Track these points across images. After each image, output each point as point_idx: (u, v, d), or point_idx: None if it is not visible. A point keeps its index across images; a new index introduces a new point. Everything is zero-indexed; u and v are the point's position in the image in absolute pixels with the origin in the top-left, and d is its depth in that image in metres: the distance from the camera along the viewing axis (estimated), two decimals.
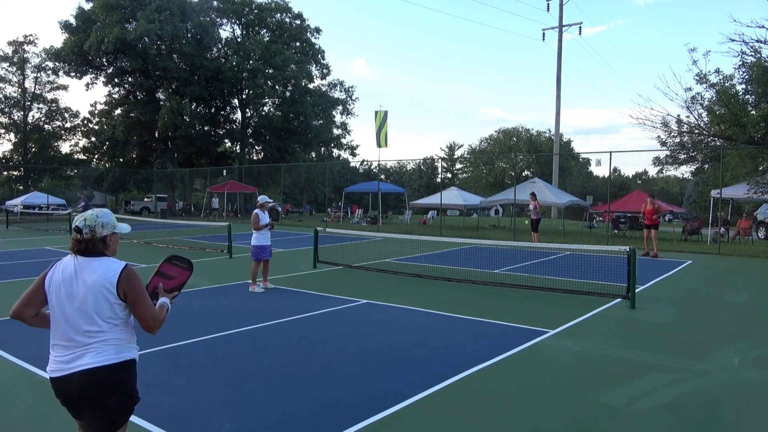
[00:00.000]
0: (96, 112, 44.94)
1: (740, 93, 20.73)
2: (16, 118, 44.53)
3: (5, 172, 46.18)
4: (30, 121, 45.03)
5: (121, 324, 2.63)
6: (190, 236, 20.46)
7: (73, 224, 2.81)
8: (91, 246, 2.61)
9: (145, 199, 42.37)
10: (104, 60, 38.57)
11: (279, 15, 42.50)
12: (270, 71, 39.31)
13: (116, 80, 40.14)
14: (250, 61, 39.53)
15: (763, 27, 18.94)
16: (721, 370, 5.42)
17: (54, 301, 2.58)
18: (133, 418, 4.06)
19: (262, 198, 9.98)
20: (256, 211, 9.76)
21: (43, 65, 43.25)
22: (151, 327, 2.68)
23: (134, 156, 42.40)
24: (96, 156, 46.20)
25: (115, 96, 41.63)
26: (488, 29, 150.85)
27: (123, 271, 2.59)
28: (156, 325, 2.69)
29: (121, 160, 42.52)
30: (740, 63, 19.59)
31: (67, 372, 2.53)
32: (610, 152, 20.03)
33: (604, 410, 4.35)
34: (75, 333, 2.54)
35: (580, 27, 38.74)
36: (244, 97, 41.79)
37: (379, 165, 49.10)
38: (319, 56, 44.24)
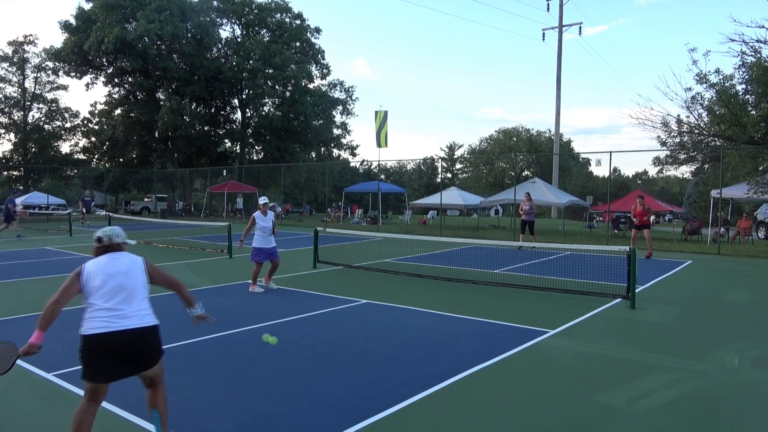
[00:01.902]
0: (96, 112, 44.93)
1: (740, 93, 20.71)
2: (16, 118, 44.50)
3: (5, 172, 46.17)
4: (30, 121, 45.00)
5: (146, 293, 3.59)
6: (190, 236, 20.46)
7: (97, 234, 3.65)
8: (111, 248, 3.59)
9: (145, 199, 42.37)
10: (104, 60, 38.55)
11: (279, 15, 42.49)
12: (270, 71, 39.30)
13: (116, 80, 40.12)
14: (250, 61, 39.52)
15: (763, 27, 18.94)
16: (721, 370, 5.42)
17: (99, 282, 3.41)
18: (133, 418, 4.06)
19: (261, 199, 9.88)
20: (255, 214, 9.71)
21: (43, 65, 43.24)
22: (188, 299, 3.92)
23: (134, 156, 42.38)
24: (96, 156, 46.17)
25: (115, 96, 41.61)
26: (488, 29, 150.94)
27: (145, 261, 3.68)
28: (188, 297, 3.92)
29: (121, 160, 42.51)
30: (740, 63, 19.59)
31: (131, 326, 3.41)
32: (610, 152, 20.06)
33: (604, 410, 4.35)
34: (125, 302, 3.43)
35: (580, 27, 38.80)
36: (244, 97, 41.78)
37: (379, 165, 49.11)
38: (319, 56, 44.23)
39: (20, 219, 29.24)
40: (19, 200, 33.19)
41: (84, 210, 26.78)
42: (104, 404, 4.33)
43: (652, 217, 27.00)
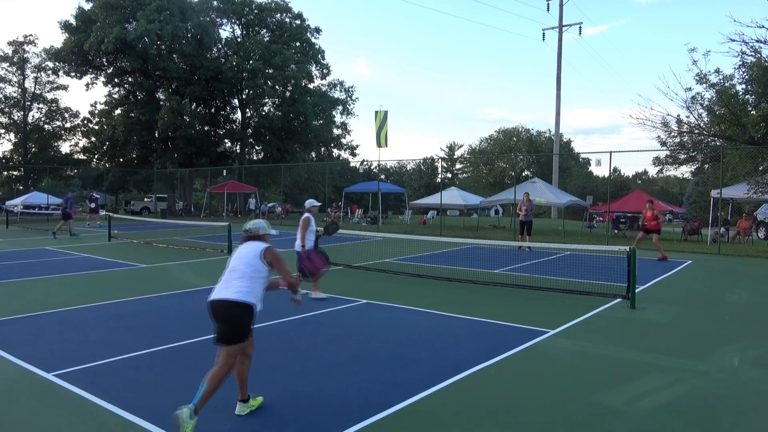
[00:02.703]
0: (96, 112, 44.91)
1: (740, 93, 20.71)
2: (16, 118, 44.50)
3: (5, 172, 46.16)
4: (30, 121, 45.01)
5: (258, 278, 4.15)
6: (190, 236, 20.46)
7: (245, 227, 4.48)
8: (251, 237, 4.41)
9: (145, 199, 42.36)
10: (104, 60, 38.53)
11: (279, 15, 42.47)
12: (270, 71, 39.29)
13: (116, 80, 40.10)
14: (250, 61, 39.51)
15: (763, 27, 18.95)
16: (721, 370, 5.42)
17: (229, 262, 4.25)
18: (133, 418, 4.07)
19: (309, 202, 9.06)
20: (309, 216, 8.81)
21: (43, 65, 43.25)
22: (292, 285, 4.43)
23: (134, 156, 42.35)
24: (96, 156, 46.14)
25: (115, 96, 41.59)
26: (488, 29, 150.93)
27: (263, 249, 4.23)
28: (293, 282, 4.45)
29: (121, 160, 42.48)
30: (740, 63, 19.59)
31: (219, 297, 4.09)
32: (610, 152, 20.05)
33: (604, 410, 4.35)
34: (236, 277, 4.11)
35: (580, 27, 38.82)
36: (244, 97, 41.77)
37: (379, 165, 49.12)
38: (319, 56, 44.21)
39: (20, 219, 29.29)
40: (19, 200, 33.25)
41: (90, 208, 26.61)
42: (104, 404, 4.34)
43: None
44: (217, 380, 3.89)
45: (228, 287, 4.04)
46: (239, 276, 4.08)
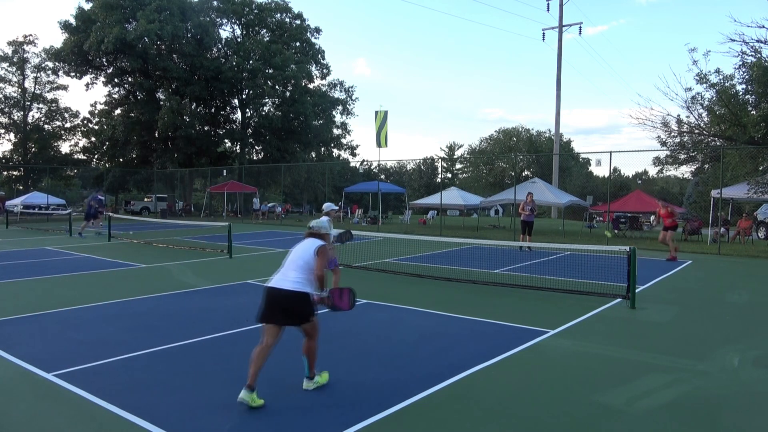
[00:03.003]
0: (96, 112, 44.92)
1: (740, 93, 20.72)
2: (16, 118, 44.50)
3: (5, 172, 46.16)
4: (30, 121, 45.01)
5: (306, 268, 4.57)
6: (190, 236, 20.46)
7: (309, 224, 4.97)
8: (312, 234, 4.86)
9: (145, 199, 42.36)
10: (104, 60, 38.53)
11: (279, 15, 42.46)
12: (270, 71, 39.28)
13: (116, 80, 40.11)
14: (250, 61, 39.50)
15: (763, 27, 18.93)
16: (721, 370, 5.42)
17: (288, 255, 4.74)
18: (133, 418, 4.07)
19: (328, 205, 8.77)
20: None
21: (43, 65, 43.25)
22: (318, 277, 4.63)
23: (134, 156, 42.35)
24: (96, 156, 46.14)
25: (115, 96, 41.60)
26: (488, 29, 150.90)
27: (318, 246, 4.70)
28: (319, 275, 4.65)
29: (121, 160, 42.48)
30: (740, 63, 19.59)
31: (279, 286, 4.49)
32: (610, 152, 20.04)
33: (604, 410, 4.35)
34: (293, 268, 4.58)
35: (580, 27, 38.81)
36: (244, 97, 41.77)
37: (379, 165, 49.12)
38: (319, 56, 44.20)
39: (20, 219, 29.29)
40: (19, 200, 33.25)
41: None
42: (104, 404, 4.34)
43: (652, 217, 27.03)
44: (313, 350, 4.64)
45: (286, 278, 4.52)
46: (294, 268, 4.56)
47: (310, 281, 4.55)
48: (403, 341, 6.32)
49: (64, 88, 49.83)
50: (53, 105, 45.72)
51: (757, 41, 19.00)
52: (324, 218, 5.07)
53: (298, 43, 43.06)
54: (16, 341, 6.15)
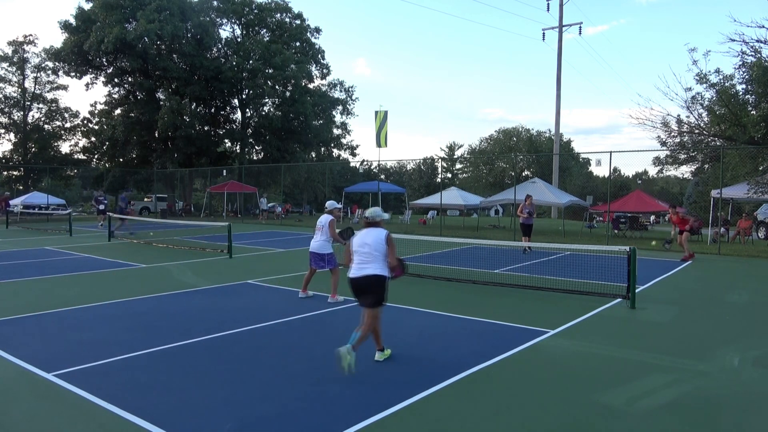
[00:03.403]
0: (96, 112, 44.85)
1: (740, 93, 20.70)
2: (16, 118, 44.47)
3: (5, 172, 46.15)
4: (30, 121, 44.97)
5: (384, 256, 5.36)
6: (190, 236, 20.46)
7: (364, 214, 5.81)
8: (370, 224, 5.56)
9: (145, 199, 42.33)
10: (104, 60, 38.49)
11: (279, 15, 42.43)
12: (270, 71, 39.26)
13: (116, 80, 40.07)
14: (250, 61, 39.48)
15: (763, 27, 18.91)
16: (721, 370, 5.42)
17: (355, 245, 5.48)
18: (133, 418, 4.07)
19: (331, 204, 8.88)
20: (333, 218, 8.64)
21: (43, 65, 43.20)
22: (392, 264, 5.43)
23: (134, 156, 42.31)
24: (96, 156, 46.07)
25: (115, 96, 41.55)
26: (488, 29, 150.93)
27: (387, 234, 5.43)
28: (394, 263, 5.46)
29: (121, 160, 42.45)
30: (740, 63, 19.57)
31: (362, 274, 5.33)
32: (610, 152, 20.04)
33: (605, 410, 4.35)
34: (366, 256, 5.37)
35: (580, 27, 38.84)
36: (244, 97, 41.75)
37: (379, 165, 49.10)
38: (319, 56, 44.16)
39: (20, 219, 29.28)
40: (19, 200, 33.25)
41: (98, 209, 26.55)
42: (104, 404, 4.34)
43: (652, 217, 27.04)
44: (366, 331, 5.26)
45: (367, 266, 5.30)
46: (373, 257, 5.31)
47: (385, 266, 5.35)
48: (403, 341, 6.32)
49: (64, 88, 49.86)
50: (53, 105, 45.69)
51: (757, 41, 19.00)
52: (377, 208, 5.68)
53: (298, 43, 43.03)
54: (16, 341, 6.15)
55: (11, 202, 33.31)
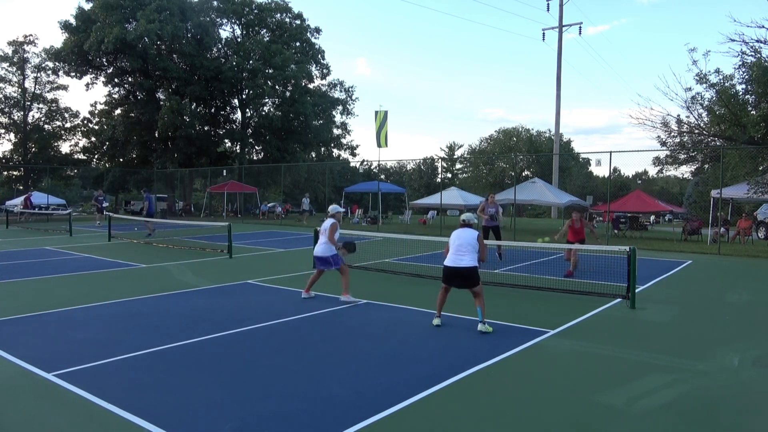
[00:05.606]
0: (96, 112, 44.88)
1: (740, 93, 20.71)
2: (16, 118, 44.47)
3: (5, 172, 46.15)
4: (30, 121, 44.97)
5: (475, 252, 6.84)
6: (190, 236, 20.46)
7: (460, 218, 7.18)
8: (464, 225, 7.07)
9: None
10: (104, 60, 38.49)
11: (279, 15, 42.41)
12: (270, 71, 39.25)
13: (116, 80, 40.07)
14: (250, 61, 39.48)
15: (763, 27, 18.93)
16: (721, 370, 5.42)
17: (452, 241, 7.02)
18: (133, 418, 4.07)
19: (333, 208, 8.93)
20: (335, 221, 8.73)
21: (43, 65, 43.19)
22: (483, 257, 7.15)
23: (134, 156, 42.32)
24: (96, 156, 46.10)
25: (115, 96, 41.56)
26: (488, 29, 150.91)
27: (478, 234, 6.93)
28: (483, 257, 7.19)
29: (121, 160, 42.46)
30: (740, 63, 19.58)
31: (458, 265, 6.80)
32: (610, 152, 20.04)
33: (604, 410, 4.35)
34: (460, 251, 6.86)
35: (580, 27, 38.80)
36: (244, 97, 41.75)
37: (379, 165, 49.10)
38: (319, 56, 44.15)
39: (20, 219, 29.29)
40: (19, 200, 33.26)
41: (98, 208, 26.53)
42: (104, 404, 4.34)
43: (652, 218, 27.03)
44: (483, 302, 6.77)
45: (462, 259, 6.76)
46: (466, 252, 6.76)
47: (476, 259, 6.77)
48: (402, 341, 6.32)
49: (64, 88, 49.84)
50: (53, 105, 45.69)
51: (757, 41, 19.01)
52: (471, 214, 7.13)
53: (298, 43, 43.01)
54: (16, 341, 6.16)
55: (9, 202, 33.35)
